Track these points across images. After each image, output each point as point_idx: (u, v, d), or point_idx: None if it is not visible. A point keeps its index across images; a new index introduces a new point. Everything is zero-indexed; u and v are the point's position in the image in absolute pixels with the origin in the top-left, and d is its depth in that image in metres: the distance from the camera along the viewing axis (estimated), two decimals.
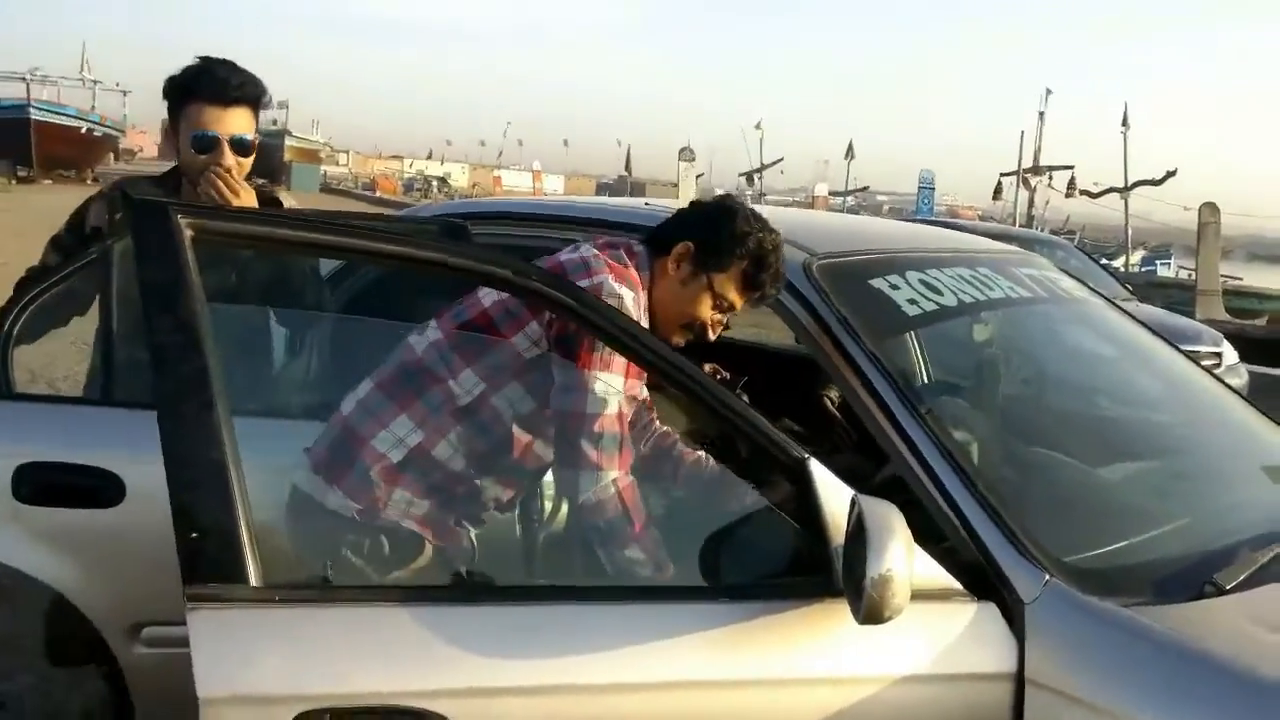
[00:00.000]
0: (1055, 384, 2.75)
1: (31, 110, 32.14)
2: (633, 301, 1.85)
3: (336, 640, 1.32)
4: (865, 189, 41.89)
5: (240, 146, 2.25)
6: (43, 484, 2.08)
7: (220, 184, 2.20)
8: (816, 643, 1.44)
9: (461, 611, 1.40)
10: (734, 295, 1.95)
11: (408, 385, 1.86)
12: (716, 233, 1.92)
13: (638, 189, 30.57)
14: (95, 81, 41.65)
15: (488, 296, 1.86)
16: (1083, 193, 25.86)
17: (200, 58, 2.30)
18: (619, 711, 1.40)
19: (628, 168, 33.06)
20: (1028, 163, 25.69)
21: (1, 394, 2.16)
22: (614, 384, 1.81)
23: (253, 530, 1.28)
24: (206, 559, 1.26)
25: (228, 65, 2.28)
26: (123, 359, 2.19)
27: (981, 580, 1.56)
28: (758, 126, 31.47)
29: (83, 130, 33.22)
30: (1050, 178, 26.96)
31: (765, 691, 1.44)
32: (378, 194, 34.80)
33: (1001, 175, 28.20)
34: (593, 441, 1.77)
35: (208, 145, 2.22)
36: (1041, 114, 26.78)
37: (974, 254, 2.50)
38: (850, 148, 29.17)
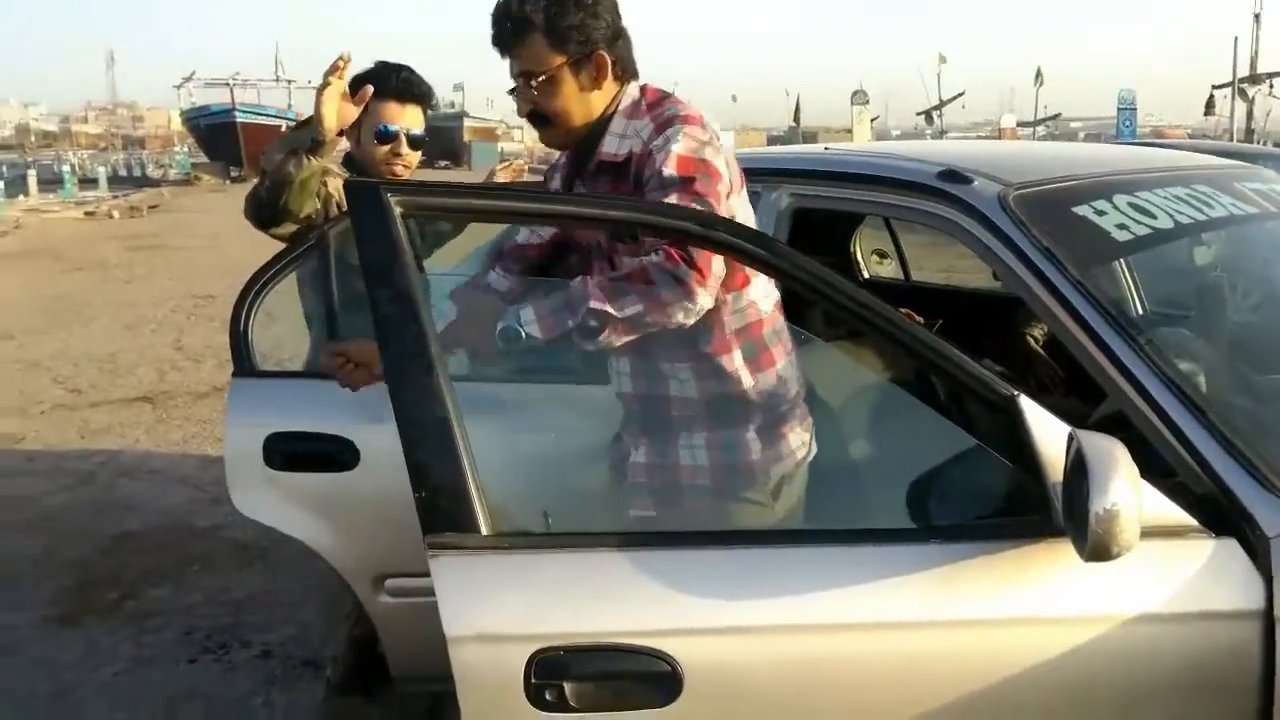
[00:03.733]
0: None
1: (237, 114, 34.50)
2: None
3: (566, 583, 1.39)
4: (1057, 116, 39.49)
5: (414, 141, 2.58)
6: (288, 452, 2.28)
7: (399, 172, 2.54)
8: (1038, 582, 1.41)
9: (681, 555, 1.45)
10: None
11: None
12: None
13: (809, 138, 29.90)
14: (289, 81, 44.23)
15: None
16: None
17: (379, 63, 2.60)
18: (842, 651, 1.42)
19: (796, 118, 32.35)
20: (1243, 71, 23.52)
21: (247, 371, 2.36)
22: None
23: (480, 482, 1.36)
24: (441, 511, 1.35)
25: (406, 68, 2.60)
26: (346, 334, 2.35)
27: (1218, 515, 1.48)
28: (942, 59, 30.12)
29: (282, 128, 35.33)
30: (1271, 85, 24.60)
31: (988, 631, 1.42)
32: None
33: (1214, 88, 26.02)
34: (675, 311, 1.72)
35: (388, 137, 2.54)
36: (1257, 16, 24.49)
37: (1189, 171, 2.35)
38: (1039, 73, 27.61)
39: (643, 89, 1.93)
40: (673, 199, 1.74)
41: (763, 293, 1.89)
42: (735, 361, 1.87)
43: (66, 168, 29.97)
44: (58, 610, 3.49)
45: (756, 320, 1.88)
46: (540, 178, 2.24)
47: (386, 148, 2.54)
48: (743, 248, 1.59)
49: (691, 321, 1.74)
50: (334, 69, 2.22)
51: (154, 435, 5.49)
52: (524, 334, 1.70)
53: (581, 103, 1.87)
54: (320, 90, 2.23)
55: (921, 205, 2.15)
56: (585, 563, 1.41)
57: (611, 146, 1.87)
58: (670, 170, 1.76)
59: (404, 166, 2.57)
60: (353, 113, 2.31)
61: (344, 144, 2.53)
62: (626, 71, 1.92)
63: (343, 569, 2.32)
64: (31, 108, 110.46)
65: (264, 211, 2.32)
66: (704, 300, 1.72)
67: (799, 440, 1.93)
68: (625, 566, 1.41)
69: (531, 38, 1.83)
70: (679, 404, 1.88)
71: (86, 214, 20.87)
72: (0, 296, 10.29)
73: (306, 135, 2.26)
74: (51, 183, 26.88)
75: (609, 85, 1.89)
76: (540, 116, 1.89)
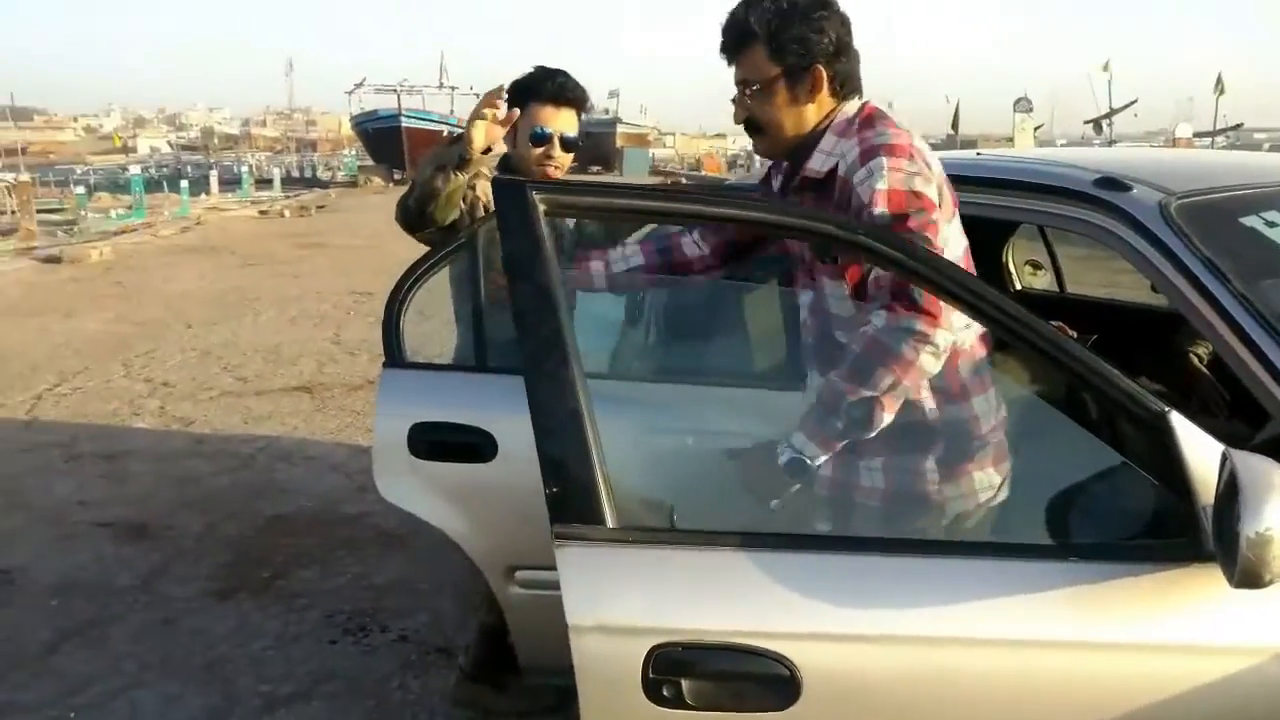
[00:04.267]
0: None
1: (402, 119, 35.93)
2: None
3: (689, 580, 1.40)
4: (1239, 126, 37.17)
5: (567, 144, 2.64)
6: (431, 441, 2.37)
7: (552, 173, 2.60)
8: (1183, 608, 1.34)
9: (803, 558, 1.44)
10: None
11: None
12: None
13: (967, 147, 28.80)
14: (453, 88, 45.76)
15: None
16: None
17: (537, 67, 2.70)
18: (967, 666, 1.38)
19: (954, 125, 31.42)
20: None
21: (398, 363, 2.46)
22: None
23: (608, 476, 1.39)
24: (570, 501, 1.38)
25: (562, 73, 2.68)
26: (492, 329, 2.43)
27: None
28: (1105, 68, 28.76)
29: (444, 133, 36.51)
30: None
31: (1124, 656, 1.36)
32: (703, 172, 35.69)
33: None
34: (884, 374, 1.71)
35: (542, 140, 2.61)
36: None
37: None
38: (1219, 80, 26.05)
39: (862, 106, 1.91)
40: None
41: (962, 323, 1.80)
42: (923, 390, 1.83)
43: (244, 169, 31.80)
44: (215, 585, 3.71)
45: (952, 351, 1.80)
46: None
47: (540, 150, 2.61)
48: (881, 251, 1.57)
49: (942, 362, 1.73)
50: (491, 102, 2.35)
51: (310, 424, 5.78)
52: (809, 461, 1.74)
53: (794, 115, 1.89)
54: (473, 117, 2.36)
55: (1077, 213, 2.08)
56: (709, 561, 1.41)
57: (816, 163, 1.87)
58: (881, 208, 1.74)
59: (556, 168, 2.63)
60: (499, 134, 2.41)
61: (501, 147, 2.63)
62: (846, 87, 1.91)
63: (476, 558, 2.39)
64: (215, 112, 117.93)
65: (412, 219, 2.47)
66: (943, 338, 1.71)
67: (986, 481, 1.86)
68: (749, 567, 1.41)
69: (752, 47, 1.87)
70: None
71: (260, 213, 22.11)
72: (181, 288, 11.01)
73: (455, 152, 2.38)
74: (231, 183, 28.58)
75: (825, 100, 1.89)
76: (754, 125, 1.92)
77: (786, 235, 1.78)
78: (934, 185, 1.80)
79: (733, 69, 1.92)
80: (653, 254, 2.21)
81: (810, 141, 1.89)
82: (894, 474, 1.86)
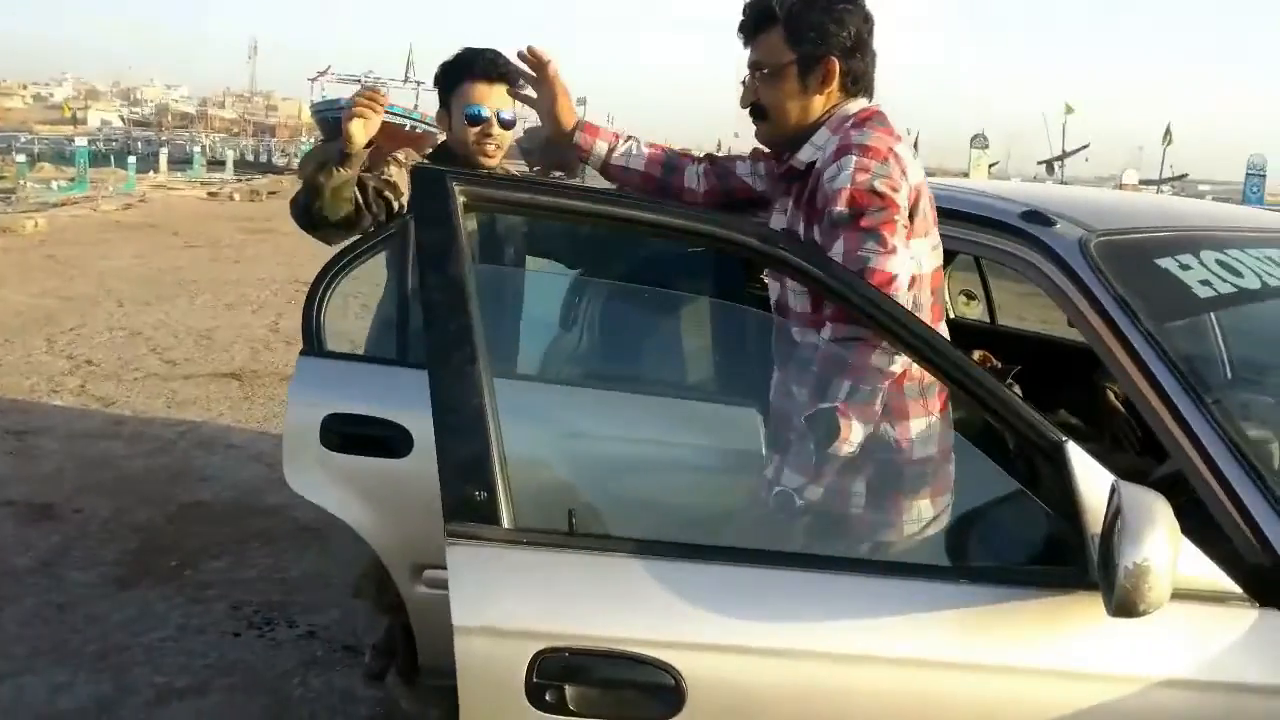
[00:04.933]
0: None
1: None
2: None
3: (579, 585, 1.39)
4: (1184, 176, 38.21)
5: (505, 122, 2.54)
6: (344, 433, 2.32)
7: (492, 153, 2.52)
8: (1066, 634, 1.36)
9: (697, 568, 1.43)
10: None
11: None
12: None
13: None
14: (419, 82, 45.41)
15: None
16: None
17: (465, 48, 2.61)
18: (855, 683, 1.38)
19: None
20: None
21: (315, 351, 2.42)
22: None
23: (508, 476, 1.37)
24: (466, 500, 1.36)
25: (491, 50, 2.57)
26: (416, 322, 2.39)
27: (1266, 586, 1.41)
28: (1069, 110, 29.37)
29: (408, 127, 36.41)
30: None
31: (1007, 678, 1.37)
32: None
33: None
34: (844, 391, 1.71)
35: (478, 119, 2.51)
36: None
37: None
38: (1168, 131, 26.75)
39: (865, 107, 1.89)
40: (840, 240, 1.72)
41: None
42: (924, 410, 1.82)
43: (197, 149, 31.30)
44: (118, 571, 3.60)
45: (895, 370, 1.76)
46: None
47: (477, 129, 2.52)
48: (800, 266, 1.57)
49: (899, 363, 1.71)
50: (371, 105, 2.29)
51: (237, 411, 5.66)
52: (800, 501, 1.70)
53: (801, 104, 1.86)
54: (350, 115, 2.29)
55: (1003, 245, 2.10)
56: (600, 566, 1.40)
57: (804, 154, 1.86)
58: (840, 207, 1.73)
59: (496, 147, 2.54)
60: (376, 128, 2.34)
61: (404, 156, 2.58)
62: (858, 85, 1.89)
63: (384, 555, 2.35)
64: (173, 89, 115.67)
65: (301, 217, 2.41)
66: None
67: (917, 513, 1.81)
68: (642, 574, 1.39)
69: (770, 29, 1.84)
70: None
71: (209, 194, 21.73)
72: (116, 265, 10.76)
73: (335, 148, 2.32)
74: (182, 162, 28.10)
75: (833, 94, 1.87)
76: (759, 109, 1.88)
77: (708, 245, 1.77)
78: (904, 192, 1.77)
79: (747, 50, 1.89)
80: (655, 164, 2.12)
81: (808, 133, 1.87)
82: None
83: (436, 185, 1.51)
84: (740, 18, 1.89)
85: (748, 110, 1.91)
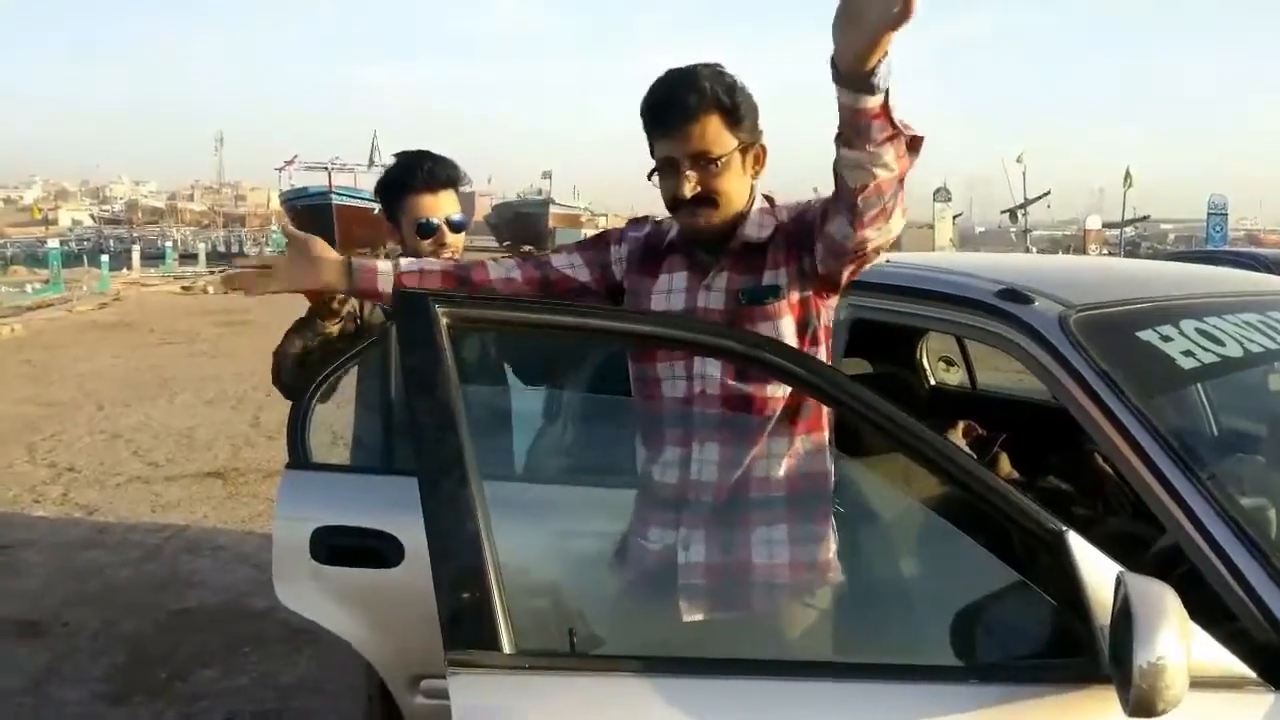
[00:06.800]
0: None
1: (334, 196, 35.77)
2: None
3: (589, 709, 1.36)
4: (1146, 218, 38.85)
5: (455, 226, 2.57)
6: (335, 545, 2.29)
7: (445, 256, 2.48)
8: None
9: (704, 684, 1.40)
10: (655, 150, 1.86)
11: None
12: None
13: None
14: (384, 166, 45.77)
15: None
16: None
17: (399, 154, 2.63)
18: None
19: None
20: None
21: (302, 464, 2.40)
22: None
23: (505, 599, 1.35)
24: (464, 626, 1.34)
25: (428, 155, 2.59)
26: (401, 430, 2.38)
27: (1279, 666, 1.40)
28: (1019, 160, 29.92)
29: (375, 211, 36.59)
30: None
31: None
32: None
33: None
34: None
35: (430, 230, 2.54)
36: None
37: (1263, 296, 2.27)
38: (1128, 174, 27.24)
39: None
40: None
41: None
42: (824, 439, 1.84)
43: (169, 243, 31.34)
44: (109, 687, 3.53)
45: None
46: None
47: (429, 240, 2.54)
48: (784, 368, 1.58)
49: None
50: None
51: (221, 511, 5.60)
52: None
53: (741, 189, 1.86)
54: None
55: (982, 323, 2.12)
56: (609, 688, 1.37)
57: (755, 231, 1.87)
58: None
59: (452, 254, 2.55)
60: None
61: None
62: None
63: (380, 667, 2.31)
64: (141, 185, 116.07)
65: (293, 392, 2.46)
66: None
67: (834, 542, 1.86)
68: (650, 692, 1.37)
69: (710, 117, 1.81)
70: (759, 487, 1.81)
71: (183, 288, 21.72)
72: (94, 367, 10.70)
73: (311, 328, 2.43)
74: (155, 257, 28.11)
75: (756, 179, 1.90)
76: (707, 198, 1.84)
77: (694, 351, 1.77)
78: None
79: (666, 142, 1.83)
80: (450, 266, 2.00)
81: (744, 215, 1.87)
82: (799, 545, 1.82)
83: (419, 307, 1.51)
84: (664, 106, 1.82)
85: (689, 199, 1.84)
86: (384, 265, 1.97)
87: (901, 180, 1.62)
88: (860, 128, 1.52)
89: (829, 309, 1.89)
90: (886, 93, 1.49)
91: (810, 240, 1.81)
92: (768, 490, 1.81)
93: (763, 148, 1.88)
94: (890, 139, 1.54)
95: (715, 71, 1.83)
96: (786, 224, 1.87)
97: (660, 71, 1.87)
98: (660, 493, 1.88)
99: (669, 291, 1.90)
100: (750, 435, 1.81)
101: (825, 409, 1.83)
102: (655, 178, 1.87)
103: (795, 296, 1.83)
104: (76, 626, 4.02)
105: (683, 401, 1.86)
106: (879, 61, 1.45)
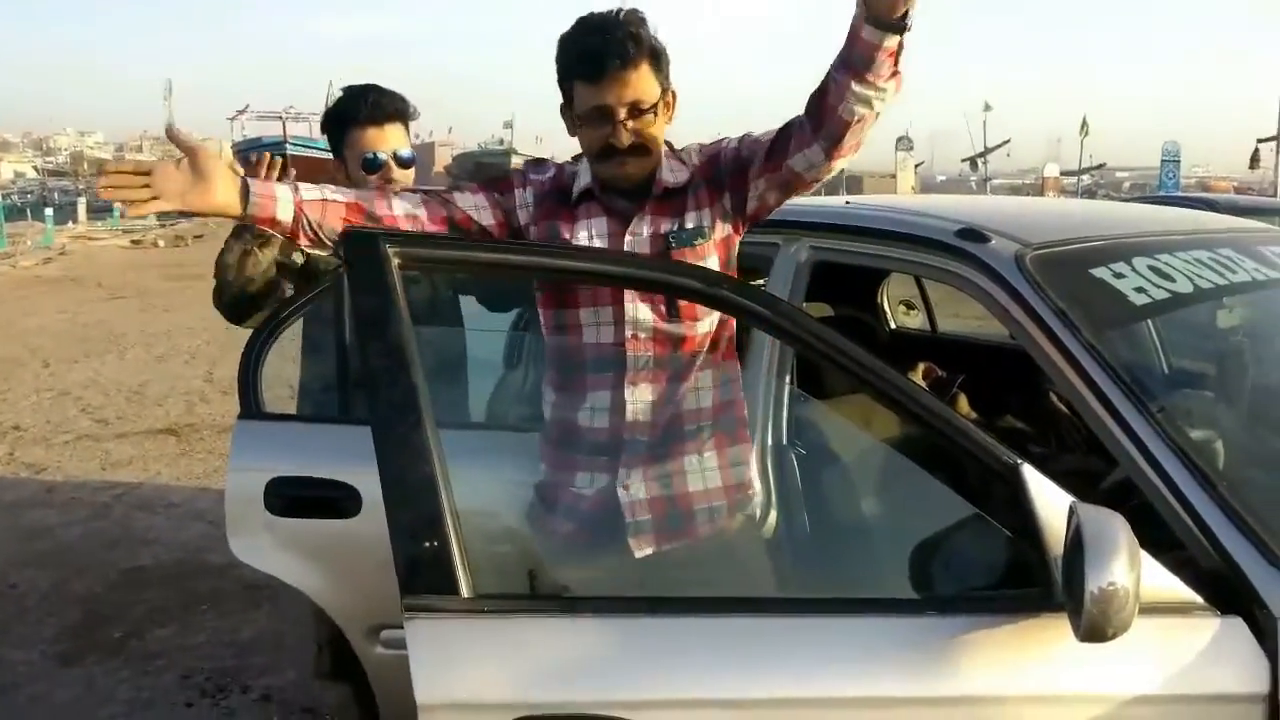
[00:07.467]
0: None
1: (288, 146, 35.05)
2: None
3: (545, 651, 1.36)
4: (1101, 166, 39.23)
5: (403, 161, 2.43)
6: (290, 497, 2.26)
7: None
8: (1036, 659, 1.36)
9: (661, 623, 1.40)
10: (582, 99, 1.80)
11: None
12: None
13: (854, 183, 29.43)
14: None
15: None
16: None
17: (346, 88, 2.48)
18: None
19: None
20: None
21: (253, 414, 2.35)
22: None
23: (463, 543, 1.33)
24: (421, 572, 1.33)
25: (375, 89, 2.44)
26: (355, 378, 2.34)
27: (1225, 593, 1.43)
28: (987, 108, 30.03)
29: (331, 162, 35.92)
30: None
31: (980, 710, 1.37)
32: None
33: (1259, 141, 25.78)
34: None
35: (376, 165, 2.40)
36: None
37: (1213, 234, 2.29)
38: (1084, 123, 27.48)
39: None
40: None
41: None
42: (736, 366, 1.90)
43: None
44: (60, 648, 3.48)
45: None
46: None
47: (376, 175, 2.40)
48: (745, 306, 1.57)
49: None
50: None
51: (175, 468, 5.52)
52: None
53: (662, 135, 1.84)
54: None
55: (939, 263, 2.12)
56: (566, 629, 1.37)
57: (673, 176, 1.85)
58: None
59: (401, 188, 2.38)
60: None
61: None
62: None
63: (339, 618, 2.29)
64: (87, 136, 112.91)
65: (231, 310, 2.49)
66: None
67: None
68: (607, 632, 1.37)
69: (644, 64, 1.77)
70: (690, 419, 1.84)
71: (133, 242, 21.27)
72: (39, 323, 10.47)
73: (247, 236, 2.35)
74: (102, 210, 27.40)
75: (669, 124, 1.88)
76: (641, 147, 1.79)
77: (651, 290, 1.75)
78: None
79: (598, 88, 1.76)
80: (355, 197, 1.83)
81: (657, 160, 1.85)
82: (728, 469, 1.86)
83: (369, 247, 1.47)
84: (598, 54, 1.75)
85: (622, 149, 1.78)
86: (283, 190, 1.75)
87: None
88: (877, 64, 1.60)
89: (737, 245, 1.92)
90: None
91: (736, 180, 1.83)
92: (698, 420, 1.84)
93: (674, 93, 1.86)
94: (894, 75, 1.64)
95: (640, 17, 1.80)
96: (701, 166, 1.87)
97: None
98: (590, 437, 1.86)
99: (590, 239, 1.85)
100: (680, 372, 1.83)
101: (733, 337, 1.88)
102: (579, 126, 1.82)
103: (718, 235, 1.85)
104: (25, 588, 3.96)
105: (612, 345, 1.83)
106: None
